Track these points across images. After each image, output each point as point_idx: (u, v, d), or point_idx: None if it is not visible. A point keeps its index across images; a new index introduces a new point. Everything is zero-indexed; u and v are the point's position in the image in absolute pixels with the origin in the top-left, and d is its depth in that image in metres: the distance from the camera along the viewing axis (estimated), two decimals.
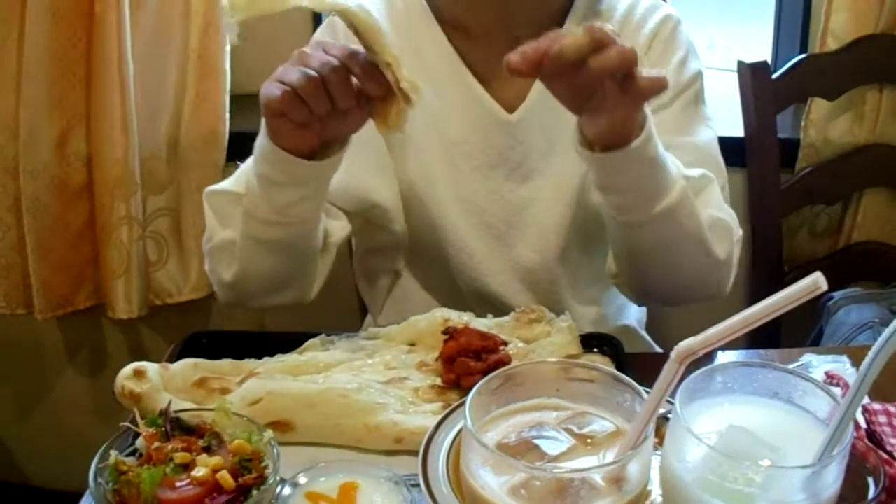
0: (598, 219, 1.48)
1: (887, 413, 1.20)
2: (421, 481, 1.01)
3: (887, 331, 0.71)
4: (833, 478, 0.74)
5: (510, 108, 1.55)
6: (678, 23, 1.60)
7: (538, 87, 1.48)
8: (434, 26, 1.57)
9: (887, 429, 1.17)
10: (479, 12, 1.54)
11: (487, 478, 0.72)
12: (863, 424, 1.16)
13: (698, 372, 0.78)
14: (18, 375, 2.76)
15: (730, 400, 0.80)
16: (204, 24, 2.18)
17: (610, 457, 0.73)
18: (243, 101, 2.23)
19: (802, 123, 2.23)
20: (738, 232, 1.50)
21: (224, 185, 1.50)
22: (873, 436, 1.15)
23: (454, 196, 1.58)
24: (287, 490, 1.07)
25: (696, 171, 1.44)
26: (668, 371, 0.70)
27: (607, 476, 0.71)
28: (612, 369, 0.82)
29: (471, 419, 0.74)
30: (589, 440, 0.76)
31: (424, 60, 1.55)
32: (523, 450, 0.75)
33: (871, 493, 0.93)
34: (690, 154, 1.48)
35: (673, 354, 0.70)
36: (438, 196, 1.58)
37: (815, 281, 0.66)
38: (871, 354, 0.73)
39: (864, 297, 1.75)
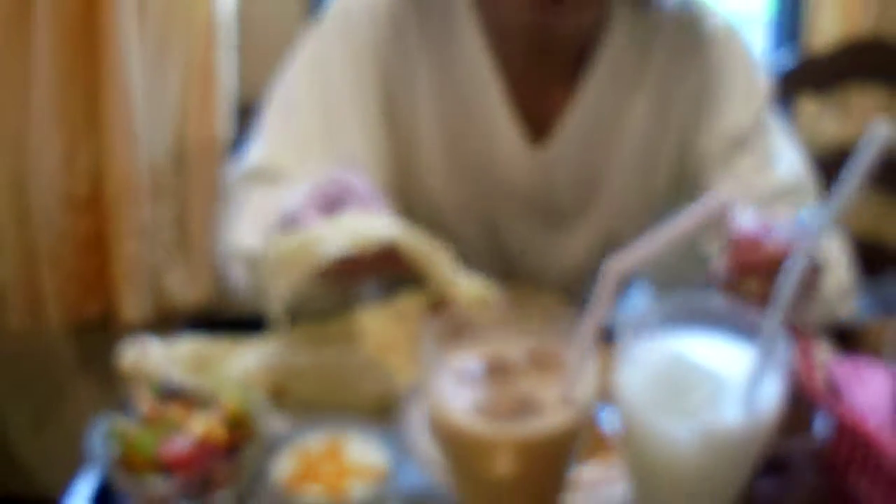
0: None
1: (846, 367, 1.27)
2: (402, 431, 1.11)
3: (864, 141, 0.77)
4: (770, 395, 0.81)
5: (540, 127, 1.52)
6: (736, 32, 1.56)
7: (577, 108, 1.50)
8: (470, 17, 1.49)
9: (846, 380, 1.24)
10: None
11: (448, 398, 0.81)
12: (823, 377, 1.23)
13: (645, 305, 0.86)
14: (32, 390, 2.83)
15: (676, 330, 0.87)
16: (205, 34, 2.28)
17: (559, 376, 0.81)
18: (244, 110, 2.32)
19: (792, 122, 2.30)
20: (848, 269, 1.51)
21: (250, 243, 1.39)
22: (832, 385, 1.22)
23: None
24: (277, 445, 1.16)
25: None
26: (602, 288, 0.78)
27: (556, 393, 0.79)
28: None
29: (431, 345, 0.82)
30: (541, 363, 0.84)
31: (453, 55, 1.50)
32: (480, 372, 0.83)
33: (821, 429, 1.01)
34: (791, 189, 1.49)
35: (605, 270, 0.78)
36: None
37: (725, 200, 0.75)
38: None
39: None
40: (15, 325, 2.49)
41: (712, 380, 0.81)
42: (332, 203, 1.18)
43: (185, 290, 2.44)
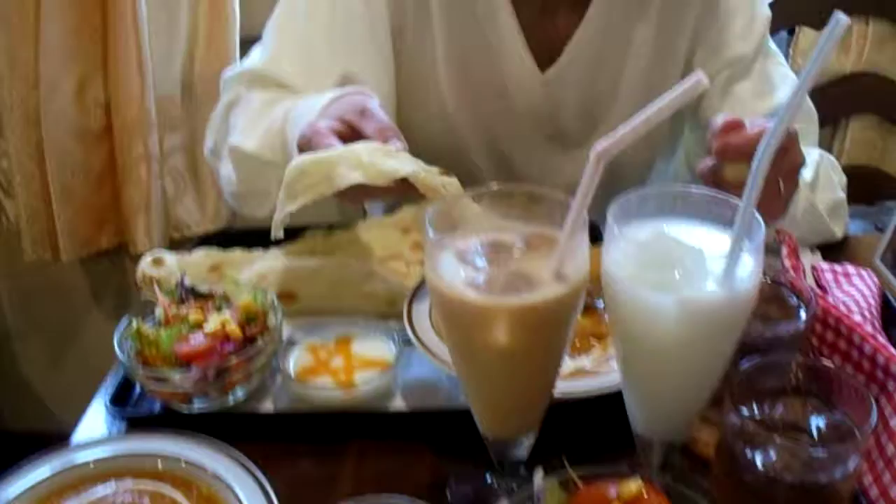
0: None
1: (833, 272, 1.34)
2: (406, 323, 1.18)
3: (826, 29, 0.83)
4: (746, 273, 0.87)
5: (548, 52, 1.57)
6: None
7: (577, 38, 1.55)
8: None
9: (833, 282, 1.31)
10: None
11: (450, 276, 0.88)
12: (810, 280, 1.30)
13: (633, 193, 0.92)
14: (48, 323, 2.91)
15: (662, 216, 0.93)
16: None
17: (551, 255, 0.87)
18: (252, 42, 2.37)
19: (790, 52, 2.34)
20: (843, 180, 1.60)
21: (251, 145, 1.44)
22: (818, 283, 1.29)
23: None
24: (289, 343, 1.24)
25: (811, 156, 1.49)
26: (589, 171, 0.84)
27: (549, 270, 0.86)
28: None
29: (431, 230, 0.89)
30: (534, 245, 0.90)
31: None
32: (479, 252, 0.90)
33: (802, 318, 1.08)
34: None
35: (591, 154, 0.84)
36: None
37: (699, 79, 0.81)
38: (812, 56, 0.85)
39: (851, 213, 1.88)
40: (29, 259, 2.56)
41: (693, 257, 0.88)
42: (349, 126, 1.23)
43: (197, 218, 2.51)
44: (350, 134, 1.21)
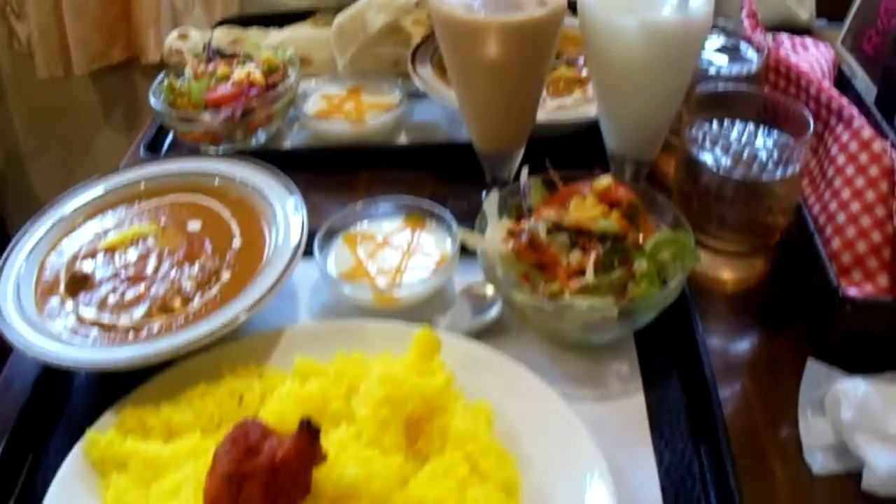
0: None
1: (792, 40, 1.51)
2: (410, 69, 1.36)
3: None
4: (700, 3, 1.04)
5: None
6: None
7: None
8: None
9: (790, 49, 1.48)
10: None
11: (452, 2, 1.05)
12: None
13: None
14: (59, 140, 3.04)
15: None
16: None
17: None
18: None
19: None
20: None
21: None
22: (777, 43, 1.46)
23: None
24: (305, 94, 1.42)
25: None
26: None
27: None
28: None
29: None
30: None
31: None
32: None
33: (754, 61, 1.26)
34: None
35: None
36: None
37: None
38: None
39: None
40: (42, 76, 2.69)
41: None
42: None
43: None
44: None
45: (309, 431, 0.76)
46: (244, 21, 1.68)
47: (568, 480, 0.85)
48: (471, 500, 0.81)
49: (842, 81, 1.45)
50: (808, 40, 1.52)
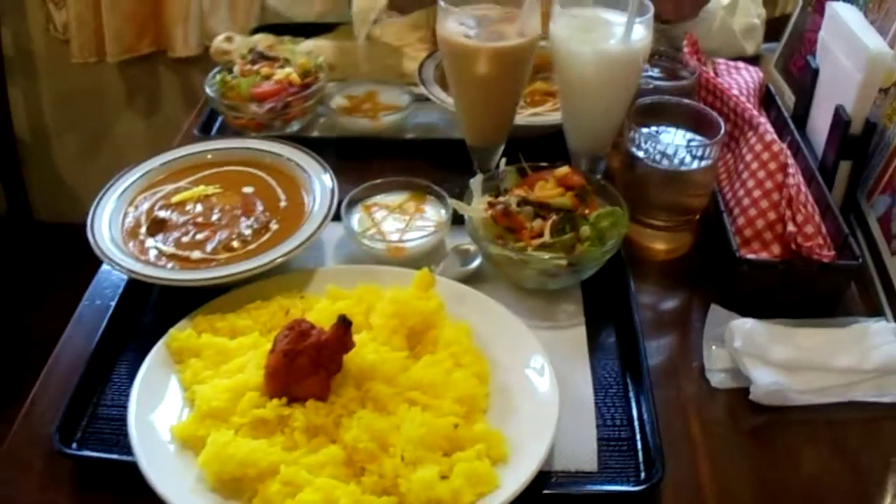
0: None
1: (727, 64, 1.88)
2: (417, 78, 1.74)
3: None
4: (639, 37, 1.40)
5: None
6: None
7: None
8: None
9: (725, 71, 1.85)
10: None
11: (455, 32, 1.42)
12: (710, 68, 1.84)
13: None
14: (82, 120, 3.30)
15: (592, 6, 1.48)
16: None
17: (516, 20, 1.42)
18: None
19: None
20: (761, 13, 2.04)
21: None
22: (715, 71, 1.84)
23: None
24: (331, 93, 1.80)
25: None
26: None
27: (514, 30, 1.41)
28: None
29: (444, 6, 1.43)
30: (506, 15, 1.45)
31: None
32: (473, 21, 1.44)
33: (686, 77, 1.64)
34: None
35: None
36: None
37: None
38: None
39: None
40: (76, 61, 3.00)
41: (605, 24, 1.42)
42: None
43: (229, 30, 2.97)
44: None
45: (344, 323, 1.13)
46: (278, 30, 2.05)
47: (522, 375, 1.20)
48: (453, 380, 1.16)
49: (769, 98, 1.81)
50: (741, 64, 1.86)
